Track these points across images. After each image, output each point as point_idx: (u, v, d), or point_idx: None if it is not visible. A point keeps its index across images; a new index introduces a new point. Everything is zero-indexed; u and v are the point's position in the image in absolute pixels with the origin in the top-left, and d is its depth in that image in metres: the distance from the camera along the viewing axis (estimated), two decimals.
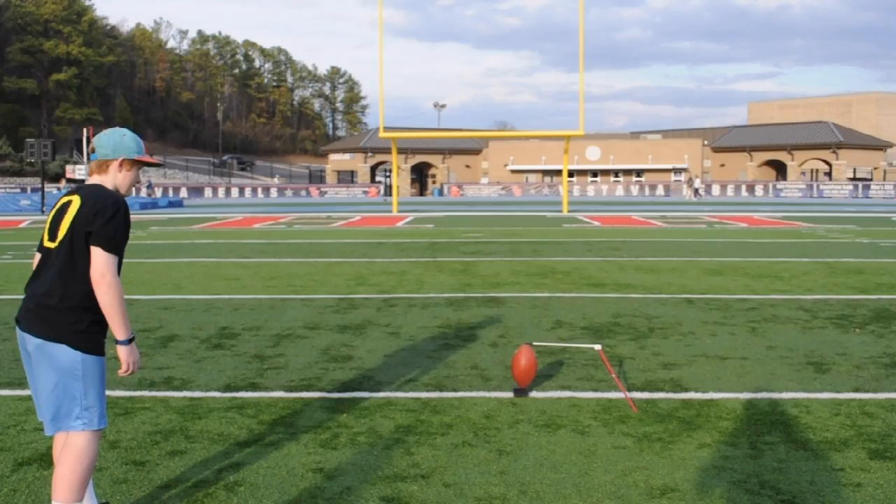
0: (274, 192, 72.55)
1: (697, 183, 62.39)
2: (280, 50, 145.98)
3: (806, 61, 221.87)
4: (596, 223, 27.41)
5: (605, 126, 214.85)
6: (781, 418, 5.14)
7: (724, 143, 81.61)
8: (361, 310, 9.31)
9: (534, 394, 5.69)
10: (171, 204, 48.73)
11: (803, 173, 77.88)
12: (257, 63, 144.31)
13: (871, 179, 72.95)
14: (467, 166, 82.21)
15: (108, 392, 5.72)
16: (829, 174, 75.25)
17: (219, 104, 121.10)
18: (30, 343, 3.37)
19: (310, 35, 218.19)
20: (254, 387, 5.94)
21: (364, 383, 6.05)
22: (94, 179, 3.50)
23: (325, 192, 72.14)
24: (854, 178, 72.66)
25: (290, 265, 14.11)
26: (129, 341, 3.44)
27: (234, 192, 72.38)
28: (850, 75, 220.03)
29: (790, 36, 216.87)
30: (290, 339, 7.69)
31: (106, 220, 3.31)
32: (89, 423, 3.38)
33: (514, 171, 79.92)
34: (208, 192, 72.03)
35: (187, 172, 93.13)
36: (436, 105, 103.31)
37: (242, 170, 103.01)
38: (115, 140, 3.51)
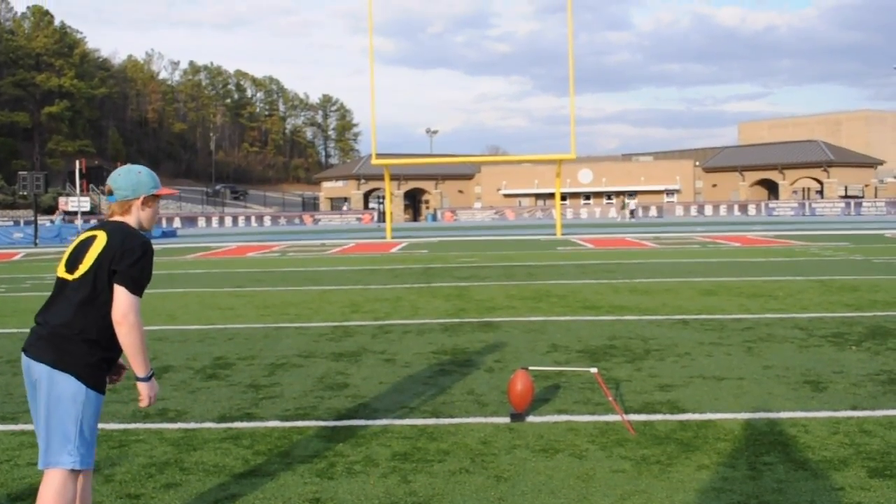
0: (267, 221, 72.52)
1: (633, 205, 64.17)
2: (272, 79, 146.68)
3: (795, 81, 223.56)
4: (589, 245, 27.43)
5: (596, 149, 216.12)
6: (780, 438, 5.12)
7: (716, 163, 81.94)
8: (356, 337, 9.28)
9: (531, 418, 5.66)
10: (165, 234, 48.65)
11: (795, 192, 78.16)
12: (249, 92, 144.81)
13: (862, 197, 73.24)
14: (460, 191, 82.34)
15: (102, 425, 5.70)
16: (820, 192, 75.52)
17: (211, 134, 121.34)
18: (35, 371, 3.34)
19: (301, 64, 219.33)
20: (249, 417, 5.90)
21: (360, 411, 6.01)
22: (117, 219, 3.54)
23: (319, 220, 72.12)
24: (846, 196, 72.98)
25: (285, 293, 14.08)
26: (149, 378, 3.50)
27: (228, 221, 72.33)
28: (838, 94, 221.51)
29: (778, 56, 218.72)
30: (284, 367, 7.65)
31: (133, 261, 3.38)
32: (78, 462, 3.33)
33: (506, 196, 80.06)
34: (202, 221, 71.96)
35: (180, 202, 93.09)
36: (428, 131, 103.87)
37: (236, 199, 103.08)
38: (133, 180, 3.54)
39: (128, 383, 7.04)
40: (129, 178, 3.55)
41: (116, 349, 3.45)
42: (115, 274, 3.35)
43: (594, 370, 5.73)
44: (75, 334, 3.34)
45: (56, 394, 3.31)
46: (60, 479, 3.29)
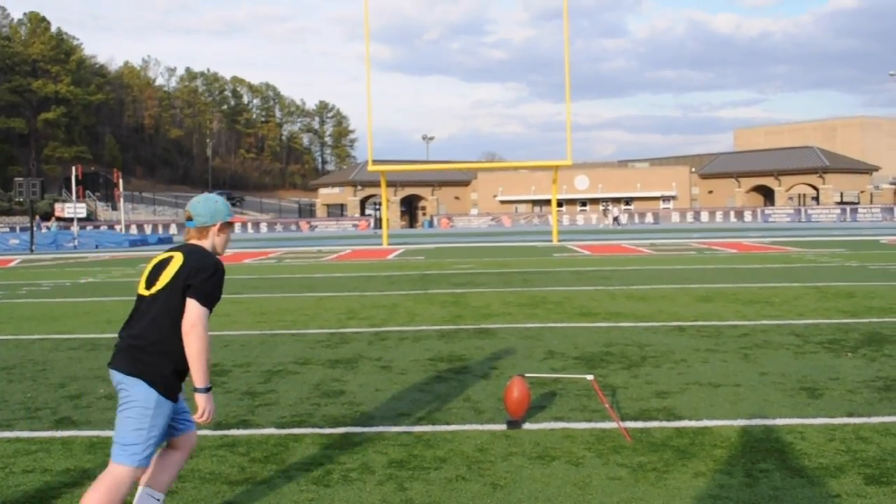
0: (264, 227, 72.54)
1: (616, 212, 64.92)
2: (268, 86, 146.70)
3: (790, 87, 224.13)
4: (586, 252, 27.45)
5: (592, 155, 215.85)
6: (776, 445, 5.12)
7: (712, 169, 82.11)
8: (353, 344, 9.27)
9: (527, 425, 5.66)
10: (161, 240, 48.60)
11: (791, 198, 78.34)
12: (245, 99, 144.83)
13: (858, 203, 73.42)
14: (457, 198, 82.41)
15: (96, 432, 5.70)
16: (816, 199, 75.68)
17: (208, 140, 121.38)
18: (115, 378, 3.64)
19: (298, 70, 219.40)
20: (245, 424, 5.89)
21: (356, 418, 6.01)
22: (194, 242, 3.85)
23: (315, 227, 72.16)
24: (841, 202, 73.13)
25: (281, 300, 14.06)
26: (207, 390, 3.69)
27: None
28: (833, 100, 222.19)
29: (773, 63, 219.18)
30: (281, 374, 7.64)
31: (207, 277, 3.64)
32: (140, 461, 3.56)
33: (503, 202, 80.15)
34: None
35: (177, 209, 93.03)
36: (424, 137, 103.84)
37: (232, 205, 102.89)
38: (211, 208, 3.86)
39: None
40: (208, 205, 3.86)
41: (187, 362, 3.65)
42: (189, 288, 3.61)
43: (590, 377, 5.73)
44: (150, 345, 3.60)
45: (130, 398, 3.57)
46: (121, 474, 3.53)
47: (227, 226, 3.92)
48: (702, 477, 4.58)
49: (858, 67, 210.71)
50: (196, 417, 3.71)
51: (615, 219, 63.35)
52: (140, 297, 3.73)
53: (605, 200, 76.10)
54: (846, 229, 46.50)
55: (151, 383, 3.56)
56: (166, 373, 3.60)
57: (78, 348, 9.39)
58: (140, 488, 3.76)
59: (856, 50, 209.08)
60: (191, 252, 3.74)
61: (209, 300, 3.63)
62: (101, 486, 3.50)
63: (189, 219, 3.84)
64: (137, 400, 3.55)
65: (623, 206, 74.43)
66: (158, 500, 3.80)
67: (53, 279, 20.25)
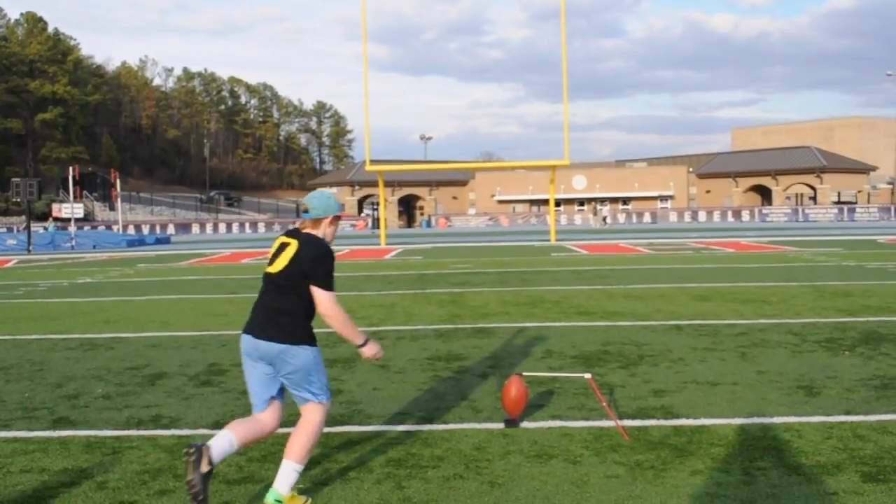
0: (262, 227, 72.52)
1: (605, 211, 65.21)
2: (266, 86, 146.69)
3: (787, 88, 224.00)
4: (584, 252, 27.46)
5: (590, 155, 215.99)
6: (773, 443, 5.13)
7: (710, 169, 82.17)
8: (350, 344, 9.25)
9: (525, 424, 5.66)
10: (159, 241, 48.56)
11: (788, 198, 78.39)
12: (243, 99, 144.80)
13: (855, 203, 73.51)
14: (454, 198, 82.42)
15: (94, 431, 5.70)
16: (813, 198, 75.76)
17: (205, 140, 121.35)
18: (264, 347, 4.27)
19: (295, 71, 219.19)
20: None
21: (354, 417, 6.01)
22: (308, 231, 4.42)
23: None
24: (839, 202, 73.19)
25: None
26: (365, 342, 4.44)
27: (222, 227, 72.32)
28: (831, 100, 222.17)
29: (771, 63, 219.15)
30: None
31: (322, 266, 4.28)
32: (326, 398, 4.38)
33: (501, 202, 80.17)
34: (196, 228, 71.95)
35: (174, 209, 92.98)
36: (422, 137, 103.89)
37: (230, 205, 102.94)
38: (325, 202, 4.43)
39: (120, 390, 7.04)
40: (323, 200, 4.43)
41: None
42: (310, 279, 4.25)
43: (588, 376, 5.73)
44: (286, 313, 4.28)
45: (300, 362, 4.26)
46: (320, 411, 4.35)
47: (337, 219, 4.49)
48: (699, 475, 4.58)
49: (856, 68, 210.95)
50: (375, 354, 4.45)
51: (604, 218, 63.62)
52: (267, 274, 4.41)
53: (599, 200, 76.22)
54: (843, 229, 46.56)
55: (310, 344, 4.29)
56: (310, 332, 4.34)
57: (75, 348, 9.39)
58: (226, 431, 4.27)
59: (853, 50, 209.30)
60: (306, 241, 4.33)
61: (331, 283, 4.29)
62: (310, 425, 4.31)
63: (305, 211, 4.41)
64: (307, 360, 4.28)
65: (610, 206, 74.51)
66: (233, 447, 4.24)
67: (51, 279, 20.24)
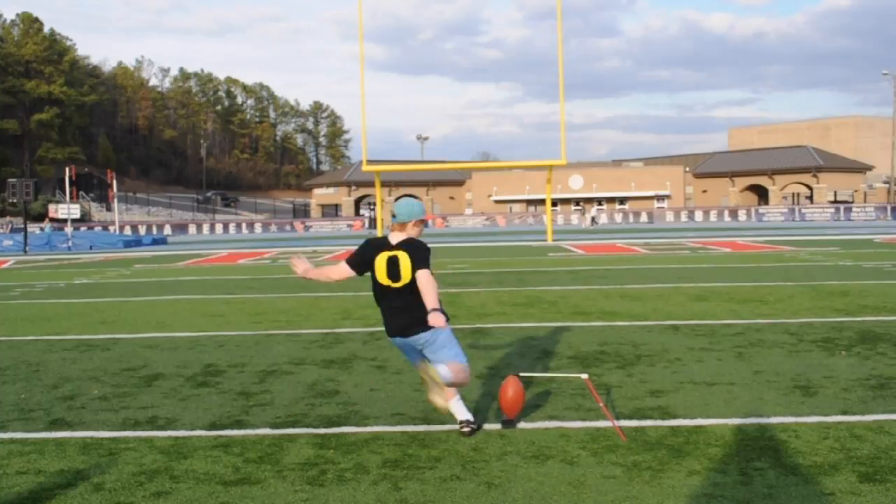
0: (258, 228, 72.47)
1: (594, 212, 66.05)
2: (262, 86, 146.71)
3: (784, 87, 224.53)
4: (580, 252, 27.47)
5: (587, 155, 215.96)
6: (770, 443, 5.13)
7: (706, 169, 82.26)
8: (347, 344, 9.27)
9: (522, 425, 5.66)
10: (155, 241, 48.52)
11: (785, 197, 78.50)
12: (240, 99, 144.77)
13: (851, 202, 73.61)
14: (451, 198, 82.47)
15: (90, 433, 5.70)
16: (810, 198, 75.87)
17: (202, 141, 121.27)
18: (420, 339, 5.40)
19: (292, 71, 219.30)
20: (239, 424, 5.88)
21: (351, 418, 6.00)
22: (398, 233, 5.50)
23: (310, 227, 72.12)
24: (835, 201, 73.30)
25: (276, 300, 14.05)
26: (438, 308, 5.19)
27: (219, 228, 72.26)
28: (827, 100, 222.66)
29: (767, 62, 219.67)
30: (275, 374, 7.63)
31: (425, 253, 5.39)
32: (465, 357, 5.47)
33: (497, 202, 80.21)
34: (192, 228, 71.89)
35: (171, 209, 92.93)
36: (419, 137, 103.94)
37: (226, 206, 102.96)
38: (409, 209, 5.50)
39: (117, 391, 7.03)
40: (409, 207, 5.50)
41: None
42: (417, 263, 5.32)
43: (584, 376, 5.73)
44: (417, 310, 5.28)
45: (442, 340, 5.39)
46: (465, 367, 5.39)
47: (421, 222, 5.54)
48: (696, 475, 4.58)
49: (852, 67, 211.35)
50: (439, 323, 5.08)
51: (593, 218, 63.82)
52: (387, 286, 5.44)
53: (594, 200, 76.35)
54: (840, 228, 46.61)
55: (439, 324, 5.13)
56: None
57: (72, 349, 9.37)
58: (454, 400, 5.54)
59: (849, 49, 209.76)
60: (410, 248, 5.38)
61: (429, 264, 5.36)
62: (462, 373, 5.34)
63: (393, 215, 5.50)
64: (445, 335, 5.38)
65: (597, 207, 74.62)
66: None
67: (47, 280, 20.21)
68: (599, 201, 79.05)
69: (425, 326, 5.29)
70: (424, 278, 5.26)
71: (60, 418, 6.18)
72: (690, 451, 5.02)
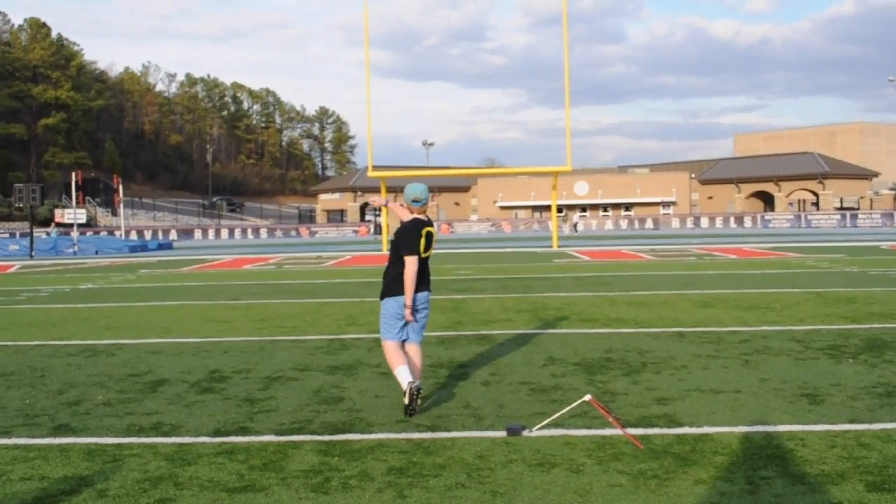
0: (264, 233, 72.53)
1: (576, 218, 66.89)
2: (268, 91, 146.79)
3: (789, 93, 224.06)
4: (586, 258, 27.44)
5: (592, 161, 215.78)
6: (777, 452, 5.10)
7: (712, 175, 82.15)
8: (352, 350, 9.25)
9: (527, 432, 5.63)
10: (161, 246, 48.57)
11: (791, 204, 78.37)
12: (246, 105, 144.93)
13: (857, 209, 73.48)
14: (456, 203, 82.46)
15: (94, 439, 5.69)
16: (816, 204, 75.71)
17: (208, 146, 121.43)
18: (423, 297, 6.47)
19: (298, 76, 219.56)
20: (244, 431, 5.87)
21: (355, 425, 5.98)
22: (423, 214, 6.51)
23: (315, 232, 72.13)
24: (841, 208, 73.19)
25: (281, 306, 14.05)
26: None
27: (224, 233, 72.33)
28: (833, 106, 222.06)
29: (773, 69, 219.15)
30: (280, 381, 7.62)
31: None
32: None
33: (503, 208, 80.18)
34: (198, 233, 71.97)
35: (176, 214, 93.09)
36: (424, 143, 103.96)
37: (232, 211, 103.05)
38: (427, 194, 6.47)
39: (121, 397, 7.02)
40: (426, 192, 6.46)
41: None
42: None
43: (588, 397, 5.71)
44: (430, 279, 6.64)
45: (429, 306, 6.60)
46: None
47: (426, 204, 6.51)
48: (703, 484, 4.55)
49: (857, 73, 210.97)
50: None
51: (574, 225, 63.95)
52: (421, 257, 6.34)
53: (562, 207, 76.50)
54: (846, 235, 46.50)
55: (430, 292, 6.61)
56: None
57: (77, 354, 9.37)
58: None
59: (854, 56, 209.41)
60: (434, 226, 6.55)
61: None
62: (420, 358, 6.53)
63: (416, 200, 6.41)
64: (430, 305, 6.60)
65: (580, 213, 74.61)
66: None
67: (53, 285, 20.23)
68: (605, 207, 78.97)
69: (430, 287, 6.61)
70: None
71: (65, 424, 6.17)
72: (697, 459, 4.99)
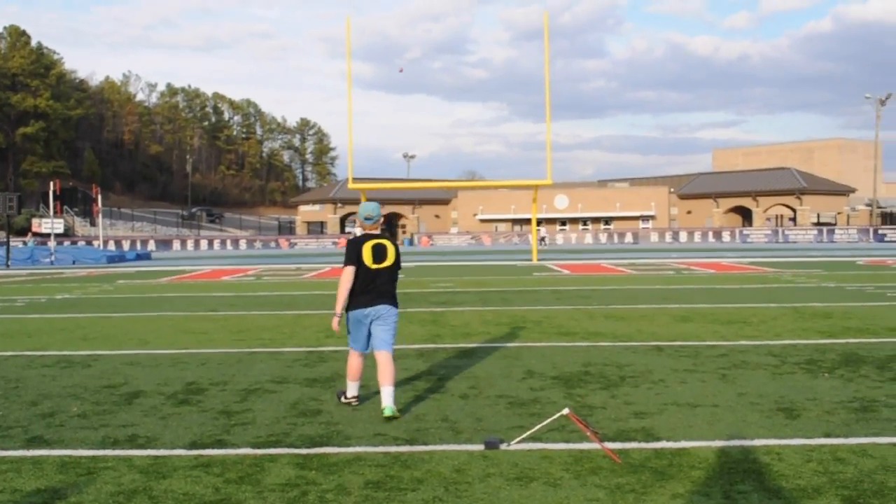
0: (243, 244, 72.20)
1: (542, 232, 66.62)
2: (249, 102, 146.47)
3: (768, 109, 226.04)
4: (565, 271, 27.50)
5: (572, 175, 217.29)
6: (754, 466, 5.11)
7: (691, 190, 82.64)
8: (330, 363, 9.21)
9: (505, 446, 5.62)
10: (139, 257, 48.27)
11: (769, 219, 78.93)
12: (226, 115, 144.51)
13: (835, 224, 74.10)
14: (437, 216, 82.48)
15: (68, 451, 5.63)
16: (793, 219, 76.30)
17: (188, 156, 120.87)
18: (383, 310, 6.76)
19: (279, 87, 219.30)
20: (220, 444, 5.82)
21: (333, 438, 5.95)
22: (375, 230, 6.87)
23: (295, 244, 71.90)
24: (818, 223, 73.77)
25: (259, 318, 13.98)
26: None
27: (203, 244, 71.93)
28: (811, 122, 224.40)
29: (752, 85, 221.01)
30: (257, 393, 7.57)
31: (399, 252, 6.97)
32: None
33: (483, 221, 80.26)
34: (177, 244, 71.54)
35: (155, 225, 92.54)
36: (405, 155, 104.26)
37: (212, 222, 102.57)
38: (378, 211, 6.83)
39: (96, 409, 6.95)
40: (379, 210, 6.83)
41: None
42: (399, 260, 6.90)
43: (566, 411, 5.71)
44: (395, 292, 6.90)
45: (394, 318, 6.84)
46: (391, 356, 6.78)
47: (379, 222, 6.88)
48: (680, 498, 4.56)
49: (835, 90, 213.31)
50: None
51: (542, 239, 64.29)
52: (370, 268, 6.69)
53: (540, 221, 76.75)
54: (823, 250, 46.88)
55: (397, 307, 6.89)
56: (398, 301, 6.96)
57: (52, 365, 9.28)
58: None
59: (832, 73, 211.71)
60: (392, 241, 6.92)
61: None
62: (390, 365, 6.70)
63: (368, 218, 6.78)
64: (396, 318, 6.87)
65: (546, 227, 74.91)
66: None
67: (29, 295, 20.04)
68: (584, 221, 79.23)
69: (395, 303, 6.88)
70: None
71: (39, 436, 6.10)
72: (674, 473, 5.00)
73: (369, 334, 6.83)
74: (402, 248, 70.88)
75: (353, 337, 6.90)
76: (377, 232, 6.85)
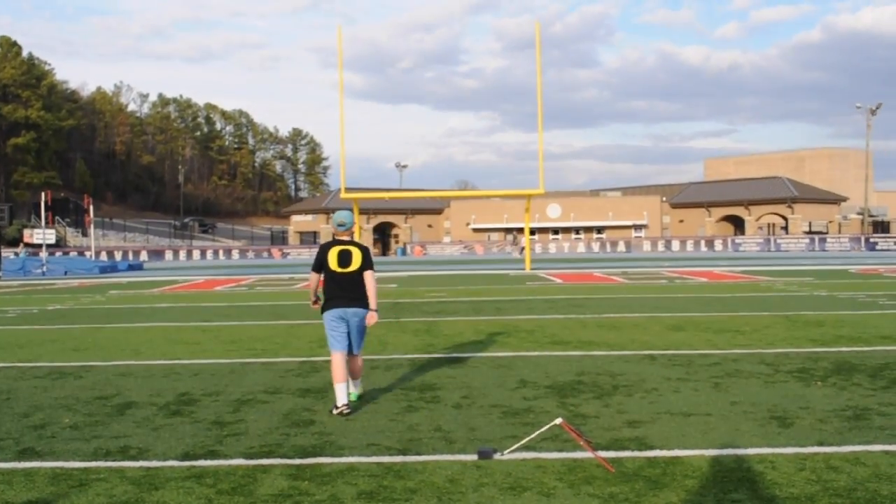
0: (236, 255, 72.11)
1: (522, 240, 66.27)
2: (241, 112, 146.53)
3: (759, 119, 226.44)
4: (558, 280, 27.52)
5: (565, 184, 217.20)
6: (747, 475, 5.12)
7: (683, 199, 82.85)
8: (323, 373, 9.19)
9: (498, 456, 5.62)
10: (132, 267, 48.16)
11: (760, 228, 79.12)
12: (218, 125, 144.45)
13: (826, 233, 74.32)
14: (429, 226, 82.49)
15: (60, 462, 5.60)
16: (785, 228, 76.52)
17: (180, 167, 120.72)
18: (353, 312, 7.20)
19: (271, 98, 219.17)
20: (213, 454, 5.80)
21: (326, 448, 5.94)
22: (346, 237, 7.42)
23: (288, 254, 71.85)
24: (810, 232, 73.97)
25: (252, 328, 13.95)
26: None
27: (196, 254, 71.83)
28: (802, 132, 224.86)
29: (742, 94, 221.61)
30: (250, 404, 7.55)
31: (371, 257, 7.37)
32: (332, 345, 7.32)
33: (476, 230, 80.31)
34: (169, 254, 71.43)
35: (147, 235, 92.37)
36: (397, 165, 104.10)
37: (204, 232, 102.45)
38: (351, 219, 7.40)
39: (88, 420, 6.93)
40: (351, 218, 7.40)
41: None
42: (369, 266, 7.30)
43: (559, 420, 5.71)
44: (362, 295, 7.24)
45: (363, 320, 7.24)
46: (361, 360, 7.48)
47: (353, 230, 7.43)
48: None
49: (825, 99, 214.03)
50: (371, 322, 7.29)
51: (521, 249, 64.56)
52: (336, 272, 7.21)
53: (512, 230, 77.04)
54: (815, 258, 47.01)
55: (367, 309, 7.25)
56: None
57: (44, 377, 9.24)
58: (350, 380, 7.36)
59: (822, 82, 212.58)
60: (360, 247, 7.36)
61: (373, 266, 7.40)
62: (358, 362, 7.45)
63: (340, 224, 7.36)
64: (364, 320, 7.25)
65: (524, 235, 75.27)
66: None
67: (20, 306, 19.98)
68: (577, 230, 79.33)
69: (366, 305, 7.25)
70: (374, 280, 7.31)
71: (30, 447, 6.07)
72: (667, 482, 5.00)
73: (349, 332, 7.27)
74: (395, 258, 70.48)
75: (332, 336, 7.22)
76: (347, 238, 7.38)
